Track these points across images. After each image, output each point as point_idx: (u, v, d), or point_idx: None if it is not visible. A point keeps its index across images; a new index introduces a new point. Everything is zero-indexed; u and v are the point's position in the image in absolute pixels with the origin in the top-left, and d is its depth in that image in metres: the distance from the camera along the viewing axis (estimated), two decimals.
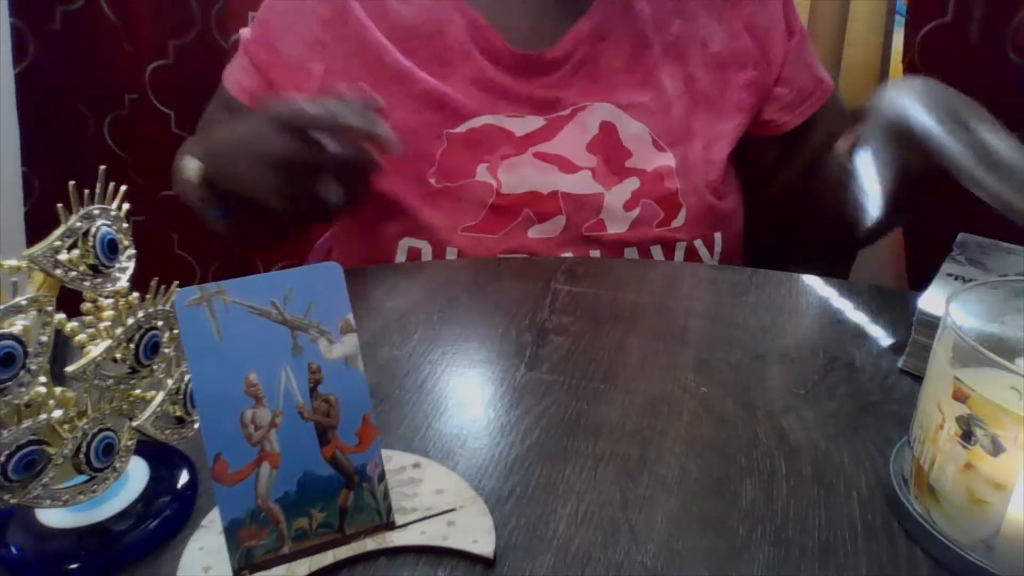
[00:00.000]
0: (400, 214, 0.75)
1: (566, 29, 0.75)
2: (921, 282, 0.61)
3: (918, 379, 0.53)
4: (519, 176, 0.74)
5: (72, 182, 0.37)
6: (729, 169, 0.79)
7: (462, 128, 0.74)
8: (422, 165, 0.74)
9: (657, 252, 0.75)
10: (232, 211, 0.70)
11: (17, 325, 0.35)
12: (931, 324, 0.52)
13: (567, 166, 0.74)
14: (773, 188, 0.84)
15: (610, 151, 0.75)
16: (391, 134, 0.58)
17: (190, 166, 0.69)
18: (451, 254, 0.74)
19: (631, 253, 0.75)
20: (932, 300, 0.53)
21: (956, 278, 0.55)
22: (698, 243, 0.76)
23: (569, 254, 0.74)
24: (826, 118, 0.82)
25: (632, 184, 0.74)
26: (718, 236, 0.77)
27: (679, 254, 0.75)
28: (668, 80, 0.76)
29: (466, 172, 0.74)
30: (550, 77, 0.75)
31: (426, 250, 0.74)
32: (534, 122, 0.75)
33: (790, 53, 0.79)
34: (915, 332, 0.53)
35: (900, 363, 0.55)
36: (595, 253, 0.75)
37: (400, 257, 0.76)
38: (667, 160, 0.75)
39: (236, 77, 0.82)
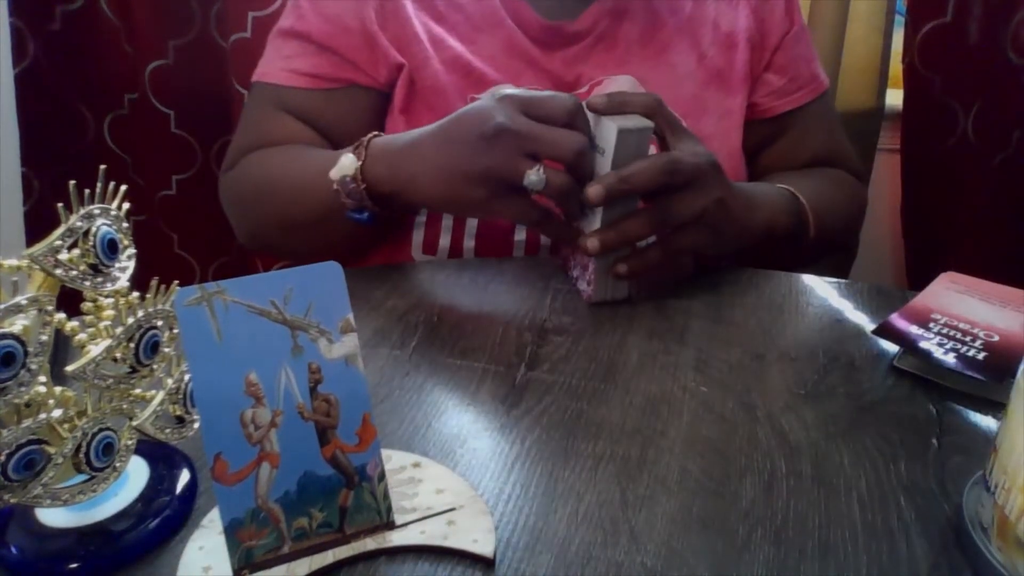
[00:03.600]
0: None
1: (588, 3, 0.78)
2: (921, 282, 0.61)
3: (918, 379, 0.53)
4: None
5: (72, 182, 0.37)
6: (740, 145, 0.81)
7: (486, 94, 0.76)
8: None
9: None
10: (377, 217, 0.69)
11: (17, 324, 0.35)
12: None
13: None
14: (755, 170, 0.87)
15: None
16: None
17: (346, 163, 0.67)
18: None
19: None
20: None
21: None
22: None
23: None
24: (813, 115, 0.85)
25: None
26: None
27: None
28: (680, 57, 0.79)
29: None
30: (571, 49, 0.78)
31: None
32: None
33: (786, 42, 0.82)
34: None
35: (895, 361, 0.54)
36: None
37: (421, 217, 0.76)
38: None
39: (282, 66, 0.80)
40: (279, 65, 0.80)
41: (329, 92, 0.80)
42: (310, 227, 0.74)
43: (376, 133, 0.70)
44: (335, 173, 0.68)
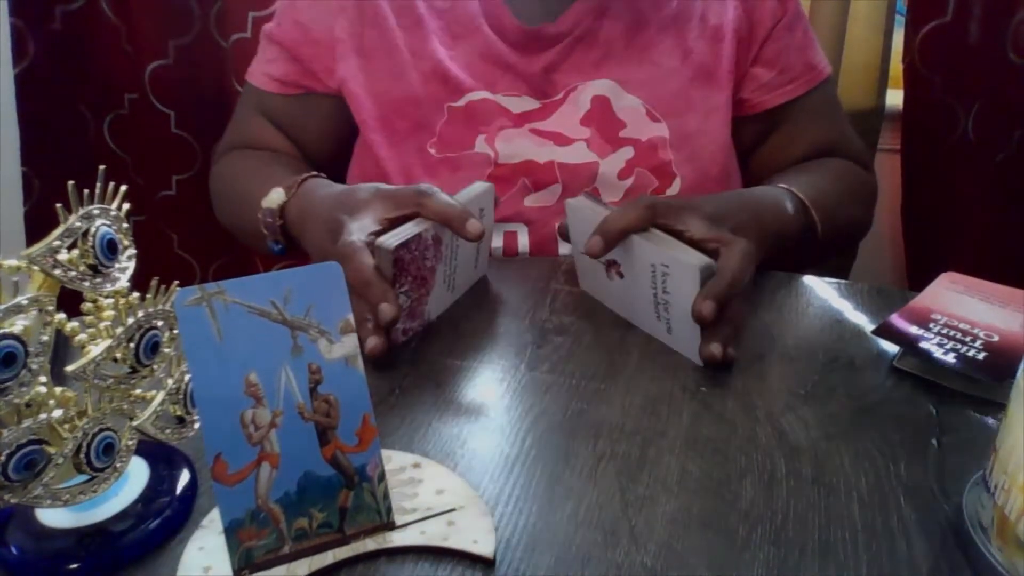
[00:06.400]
0: (401, 183, 0.75)
1: (569, 4, 0.77)
2: (921, 282, 0.61)
3: (918, 379, 0.53)
4: (516, 147, 0.76)
5: (72, 182, 0.37)
6: (730, 141, 0.79)
7: (461, 102, 0.77)
8: (423, 136, 0.77)
9: None
10: (290, 249, 0.72)
11: (18, 325, 0.35)
12: None
13: (562, 140, 0.77)
14: (752, 166, 0.85)
15: (603, 123, 0.76)
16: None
17: (275, 196, 0.69)
18: None
19: None
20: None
21: None
22: None
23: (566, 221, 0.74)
24: (810, 106, 0.82)
25: (626, 153, 0.76)
26: None
27: None
28: (664, 55, 0.78)
29: (465, 143, 0.76)
30: (551, 51, 0.77)
31: None
32: (529, 103, 0.77)
33: (776, 31, 0.80)
34: None
35: (895, 361, 0.54)
36: None
37: None
38: (661, 131, 0.76)
39: (262, 70, 0.83)
40: (260, 68, 0.84)
41: (297, 98, 0.83)
42: (250, 238, 0.77)
43: (314, 173, 0.71)
44: (265, 202, 0.70)
